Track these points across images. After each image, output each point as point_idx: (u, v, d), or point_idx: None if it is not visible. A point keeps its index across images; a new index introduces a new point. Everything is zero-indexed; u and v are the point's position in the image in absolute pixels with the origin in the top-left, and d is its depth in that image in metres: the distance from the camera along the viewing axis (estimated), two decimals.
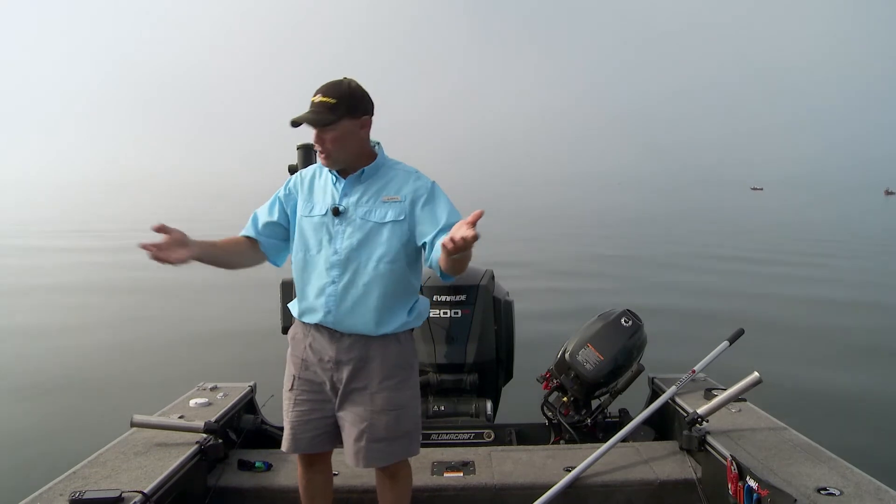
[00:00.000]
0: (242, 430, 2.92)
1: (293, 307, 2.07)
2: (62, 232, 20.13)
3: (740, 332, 2.87)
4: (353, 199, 1.96)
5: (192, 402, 2.85)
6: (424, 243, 1.92)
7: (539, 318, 7.35)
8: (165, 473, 2.16)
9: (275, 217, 2.07)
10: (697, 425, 2.56)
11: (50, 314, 8.38)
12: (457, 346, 3.20)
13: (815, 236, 23.35)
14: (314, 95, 1.88)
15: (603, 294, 10.00)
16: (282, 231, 2.08)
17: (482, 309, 3.26)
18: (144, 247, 1.71)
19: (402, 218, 1.93)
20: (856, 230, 28.24)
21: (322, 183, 2.04)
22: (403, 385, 2.00)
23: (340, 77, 1.92)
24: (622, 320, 3.08)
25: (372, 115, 1.95)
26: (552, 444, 3.08)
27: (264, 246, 2.08)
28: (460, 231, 1.58)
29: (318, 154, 1.95)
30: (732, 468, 2.12)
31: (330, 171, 1.99)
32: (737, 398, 2.63)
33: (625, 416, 3.15)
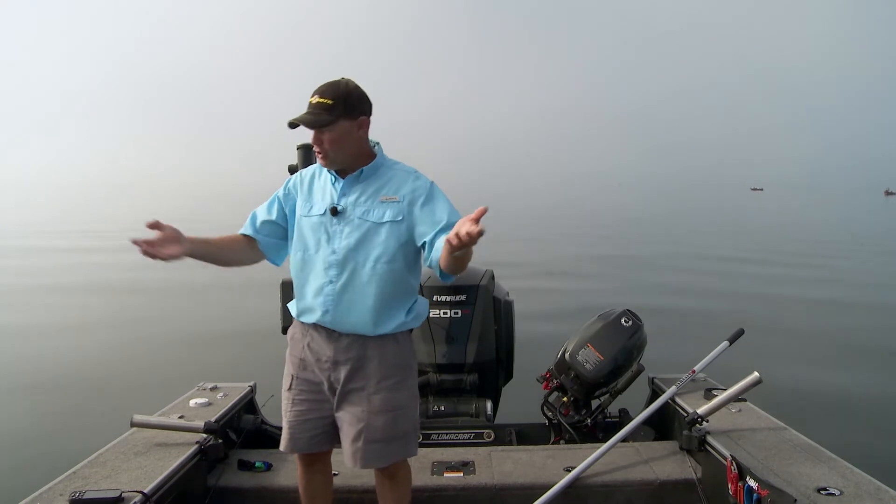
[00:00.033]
0: (242, 430, 2.92)
1: (292, 307, 2.07)
2: (62, 232, 20.14)
3: (740, 332, 2.87)
4: (351, 198, 1.96)
5: (192, 402, 2.85)
6: (424, 243, 1.92)
7: (539, 318, 7.35)
8: (165, 473, 2.16)
9: (273, 216, 2.08)
10: (697, 425, 2.56)
11: (50, 314, 8.38)
12: (457, 346, 3.20)
13: (815, 237, 23.36)
14: (312, 96, 1.88)
15: (603, 294, 10.00)
16: (280, 230, 2.09)
17: (482, 309, 3.26)
18: (136, 242, 1.74)
19: (400, 219, 1.93)
20: (856, 231, 28.25)
21: (321, 183, 2.04)
22: (401, 386, 2.00)
23: (338, 77, 1.92)
24: (622, 320, 3.08)
25: (370, 115, 1.95)
26: (552, 444, 3.08)
27: (262, 245, 2.09)
28: (465, 226, 1.57)
29: (316, 154, 1.95)
30: (732, 468, 2.12)
31: (329, 171, 1.99)
32: (737, 398, 2.62)
33: (625, 416, 3.15)
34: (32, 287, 10.31)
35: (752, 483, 2.01)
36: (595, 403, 3.12)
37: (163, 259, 1.78)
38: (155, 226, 1.78)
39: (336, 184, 1.99)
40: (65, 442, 4.07)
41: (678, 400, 2.86)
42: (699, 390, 2.93)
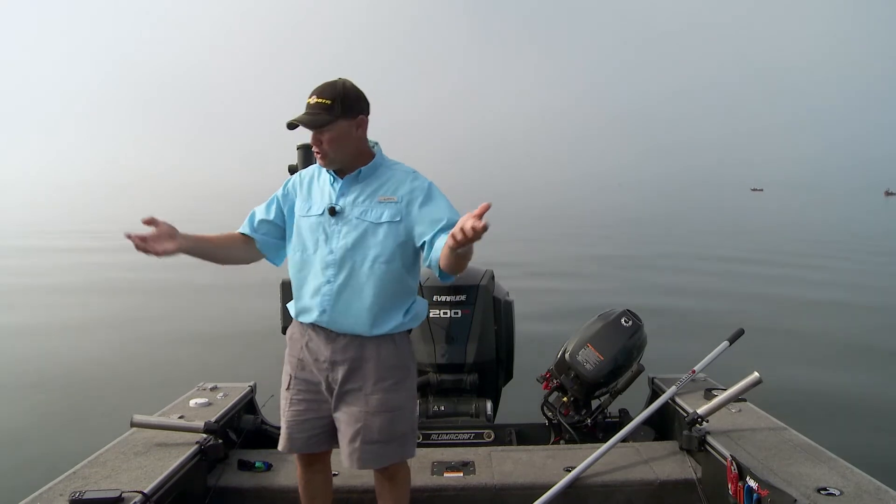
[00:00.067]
0: (242, 430, 2.92)
1: (291, 307, 2.07)
2: (62, 232, 20.15)
3: (740, 332, 2.87)
4: (349, 198, 1.96)
5: (192, 402, 2.85)
6: (423, 243, 1.92)
7: (539, 318, 7.36)
8: (165, 473, 2.16)
9: (271, 216, 2.08)
10: (697, 425, 2.56)
11: (50, 314, 8.38)
12: (457, 346, 3.20)
13: (815, 237, 23.37)
14: (309, 97, 1.88)
15: (603, 294, 10.00)
16: (278, 230, 2.09)
17: (482, 309, 3.26)
18: (129, 237, 1.76)
19: (398, 219, 1.93)
20: (856, 231, 28.25)
21: (320, 183, 2.04)
22: (399, 387, 1.99)
23: (335, 78, 1.92)
24: (622, 320, 3.08)
25: (368, 114, 1.95)
26: (552, 444, 3.08)
27: (260, 244, 2.09)
28: (469, 222, 1.56)
29: (315, 155, 1.95)
30: (732, 468, 2.12)
31: (328, 171, 1.99)
32: (737, 398, 2.62)
33: (625, 416, 3.14)
34: (32, 287, 10.31)
35: (752, 483, 2.01)
36: (595, 403, 3.12)
37: (156, 254, 1.80)
38: (150, 222, 1.80)
39: (335, 184, 1.99)
40: (65, 442, 4.07)
41: (678, 400, 2.86)
42: (699, 390, 2.93)
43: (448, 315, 3.25)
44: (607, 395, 3.08)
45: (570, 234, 23.24)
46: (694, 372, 2.91)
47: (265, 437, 3.04)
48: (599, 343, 3.02)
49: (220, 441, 2.53)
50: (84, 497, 1.94)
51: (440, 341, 3.21)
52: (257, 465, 2.54)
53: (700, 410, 2.59)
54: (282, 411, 2.08)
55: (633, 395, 3.12)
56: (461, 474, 2.49)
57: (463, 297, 3.26)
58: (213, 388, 3.05)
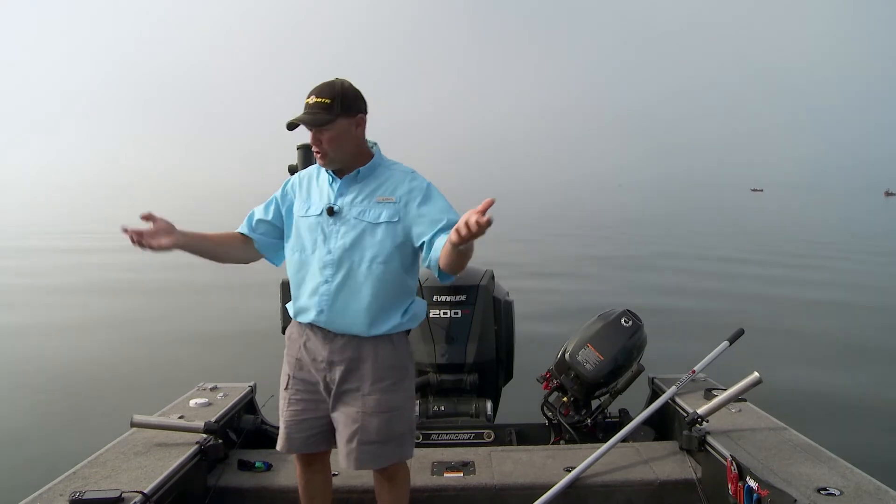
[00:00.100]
0: (242, 430, 2.92)
1: (290, 307, 2.07)
2: (62, 233, 20.14)
3: (740, 332, 2.87)
4: (348, 198, 1.96)
5: (192, 403, 2.85)
6: (422, 243, 1.92)
7: (539, 318, 7.36)
8: (165, 473, 2.16)
9: (269, 217, 2.09)
10: (697, 425, 2.56)
11: (50, 314, 8.37)
12: (457, 346, 3.20)
13: (815, 237, 23.37)
14: (308, 97, 1.89)
15: (603, 294, 10.01)
16: (275, 231, 2.10)
17: (482, 309, 3.26)
18: (126, 231, 1.78)
19: (396, 219, 1.93)
20: (856, 231, 28.25)
21: (319, 184, 2.04)
22: (396, 387, 1.99)
23: (333, 78, 1.92)
24: (622, 320, 3.08)
25: (366, 113, 1.96)
26: (552, 444, 3.08)
27: (258, 244, 2.10)
28: (473, 217, 1.55)
29: (315, 155, 1.95)
30: (732, 468, 2.12)
31: (327, 171, 2.00)
32: (737, 398, 2.62)
33: (625, 416, 3.14)
34: (32, 287, 10.31)
35: (752, 483, 2.01)
36: (595, 403, 3.12)
37: (153, 249, 1.82)
38: (148, 217, 1.83)
39: (333, 184, 1.99)
40: (65, 442, 4.07)
41: (678, 400, 2.86)
42: (699, 390, 2.93)
43: (448, 315, 3.25)
44: (607, 395, 3.08)
45: (570, 234, 23.24)
46: (694, 372, 2.91)
47: (265, 437, 3.04)
48: (599, 343, 3.02)
49: (220, 441, 2.53)
50: (84, 497, 1.94)
51: (440, 341, 3.21)
52: (257, 465, 2.54)
53: (700, 410, 2.58)
54: (280, 411, 2.08)
55: (633, 395, 3.12)
56: (461, 474, 2.49)
57: (463, 297, 3.26)
58: (213, 388, 3.05)
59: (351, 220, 1.94)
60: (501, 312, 3.34)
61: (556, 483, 2.38)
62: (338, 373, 1.96)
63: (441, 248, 1.82)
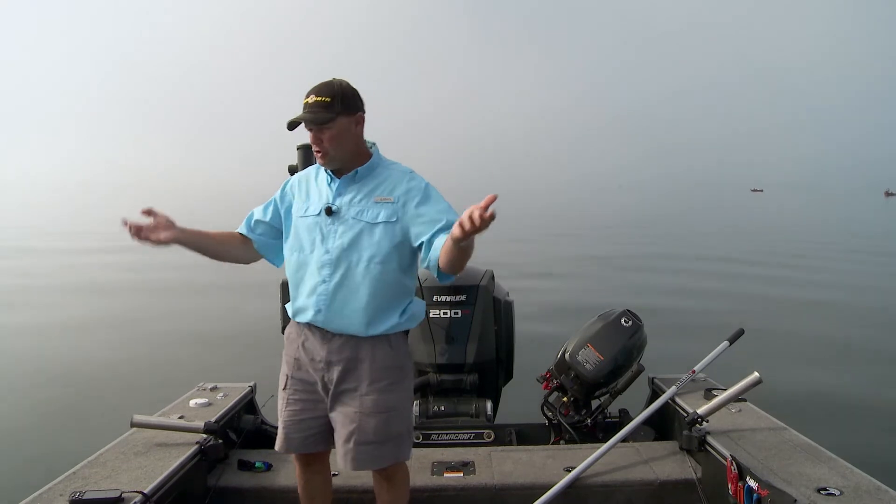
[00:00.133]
0: (242, 430, 2.92)
1: (289, 308, 2.08)
2: (62, 233, 20.14)
3: (740, 333, 2.87)
4: (346, 198, 1.96)
5: (192, 403, 2.85)
6: (421, 244, 1.92)
7: (539, 318, 7.35)
8: (165, 473, 2.16)
9: (267, 218, 2.10)
10: (697, 425, 2.56)
11: (50, 314, 8.37)
12: (457, 346, 3.20)
13: (815, 238, 23.37)
14: (307, 97, 1.89)
15: (603, 294, 10.01)
16: (273, 231, 2.11)
17: (482, 309, 3.26)
18: (126, 223, 1.82)
19: (394, 219, 1.93)
20: (856, 231, 28.25)
21: (318, 184, 2.04)
22: (394, 388, 1.98)
23: (329, 78, 1.93)
24: (622, 320, 3.08)
25: (364, 112, 1.97)
26: (552, 444, 3.08)
27: (257, 244, 2.11)
28: (476, 211, 1.55)
29: (315, 154, 1.95)
30: (732, 468, 2.12)
31: (326, 171, 2.00)
32: (737, 398, 2.62)
33: (625, 417, 3.14)
34: (33, 287, 10.32)
35: (752, 483, 2.01)
36: (595, 403, 3.12)
37: (152, 243, 1.86)
38: (149, 212, 1.87)
39: (332, 184, 1.99)
40: (65, 442, 4.07)
41: (678, 400, 2.86)
42: (699, 390, 2.93)
43: (448, 315, 3.25)
44: (607, 395, 3.08)
45: (570, 234, 23.25)
46: (694, 372, 2.91)
47: (265, 437, 3.04)
48: (599, 343, 3.02)
49: (220, 441, 2.53)
50: (84, 497, 1.94)
51: (440, 341, 3.21)
52: (257, 465, 2.54)
53: (700, 410, 2.58)
54: (279, 411, 2.08)
55: (633, 395, 3.12)
56: (461, 474, 2.49)
57: (463, 297, 3.26)
58: (213, 389, 3.05)
59: (349, 220, 1.94)
60: (501, 312, 3.34)
61: (556, 483, 2.38)
62: (336, 373, 1.96)
63: (441, 247, 1.82)
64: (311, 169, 2.11)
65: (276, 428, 2.10)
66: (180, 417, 2.65)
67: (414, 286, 2.07)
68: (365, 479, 2.30)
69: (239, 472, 2.51)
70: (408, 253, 1.97)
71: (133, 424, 2.51)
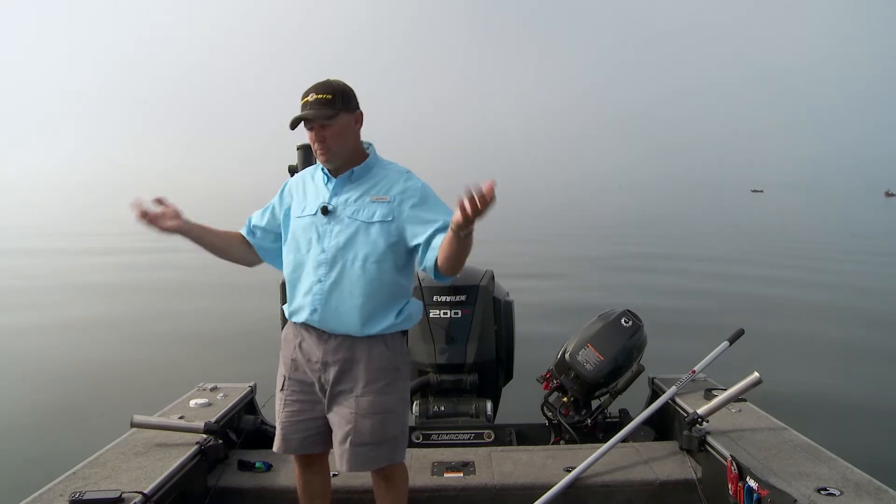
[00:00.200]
0: (242, 430, 2.92)
1: (286, 308, 2.08)
2: (62, 233, 20.15)
3: (740, 333, 2.87)
4: (342, 198, 1.97)
5: (192, 403, 2.85)
6: (418, 245, 1.92)
7: (539, 318, 7.36)
8: (165, 474, 2.16)
9: (263, 223, 2.12)
10: (697, 425, 2.56)
11: (50, 314, 8.37)
12: (457, 347, 3.20)
13: (815, 238, 23.37)
14: (306, 96, 1.89)
15: (603, 294, 10.01)
16: (271, 236, 2.12)
17: (482, 309, 3.26)
18: (135, 206, 1.86)
19: (390, 219, 1.93)
20: (856, 231, 28.26)
21: (315, 184, 2.05)
22: (390, 389, 1.98)
23: (325, 79, 1.93)
24: (622, 320, 3.08)
25: (362, 111, 1.98)
26: (552, 444, 3.08)
27: (257, 247, 2.13)
28: (476, 192, 1.54)
29: (316, 152, 1.95)
30: (732, 468, 2.12)
31: (323, 170, 2.00)
32: (737, 398, 2.63)
33: (625, 417, 3.14)
34: (33, 287, 10.31)
35: (752, 483, 2.01)
36: (595, 403, 3.12)
37: (159, 229, 1.91)
38: (159, 201, 1.91)
39: (328, 184, 2.00)
40: (65, 442, 4.07)
41: (678, 400, 2.86)
42: (699, 390, 2.93)
43: (448, 315, 3.25)
44: (607, 396, 3.08)
45: (570, 234, 23.25)
46: (694, 372, 2.91)
47: (265, 437, 3.03)
48: (599, 343, 3.02)
49: (220, 441, 2.53)
50: (84, 497, 1.94)
51: (440, 341, 3.22)
52: (257, 465, 2.54)
53: (700, 410, 2.59)
54: (277, 412, 2.08)
55: (633, 395, 3.12)
56: (461, 474, 2.49)
57: (463, 298, 3.26)
58: (213, 389, 3.05)
59: (345, 220, 1.94)
60: (501, 312, 3.34)
61: (556, 483, 2.38)
62: (332, 373, 1.96)
63: (438, 247, 1.82)
64: (309, 169, 2.12)
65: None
66: (180, 418, 2.65)
67: (411, 287, 2.07)
68: (365, 479, 2.30)
69: (239, 472, 2.51)
70: (403, 253, 1.97)
71: (133, 425, 2.51)
